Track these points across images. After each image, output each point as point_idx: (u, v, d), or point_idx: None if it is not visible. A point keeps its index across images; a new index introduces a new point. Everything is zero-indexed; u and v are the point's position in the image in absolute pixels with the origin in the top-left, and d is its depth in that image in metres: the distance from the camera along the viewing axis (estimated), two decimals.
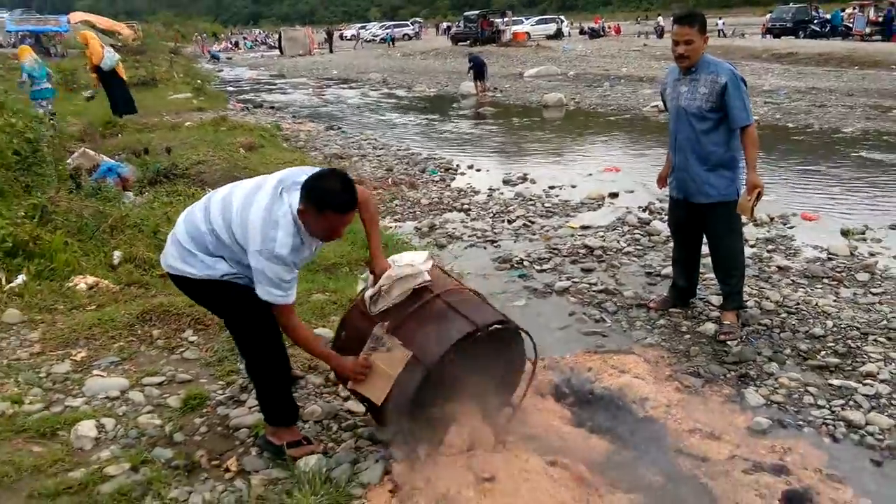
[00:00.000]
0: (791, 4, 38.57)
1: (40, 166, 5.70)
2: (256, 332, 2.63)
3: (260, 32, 76.49)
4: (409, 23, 63.12)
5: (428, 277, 2.67)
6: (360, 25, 66.73)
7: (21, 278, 4.20)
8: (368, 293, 2.71)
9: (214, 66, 35.91)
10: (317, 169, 2.48)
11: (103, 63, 11.22)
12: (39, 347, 3.58)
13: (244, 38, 64.86)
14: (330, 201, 2.32)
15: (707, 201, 3.76)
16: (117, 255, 4.70)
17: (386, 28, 54.31)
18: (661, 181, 4.19)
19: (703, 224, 3.91)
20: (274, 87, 23.38)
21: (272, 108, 16.52)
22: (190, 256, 2.52)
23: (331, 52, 42.77)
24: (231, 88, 22.33)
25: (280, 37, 46.73)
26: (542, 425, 2.96)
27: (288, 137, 11.36)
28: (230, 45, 55.25)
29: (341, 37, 63.38)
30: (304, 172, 2.46)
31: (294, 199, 2.37)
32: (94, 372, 3.35)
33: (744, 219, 3.88)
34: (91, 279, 4.32)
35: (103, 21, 32.30)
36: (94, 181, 6.65)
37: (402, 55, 34.71)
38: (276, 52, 45.60)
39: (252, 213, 2.38)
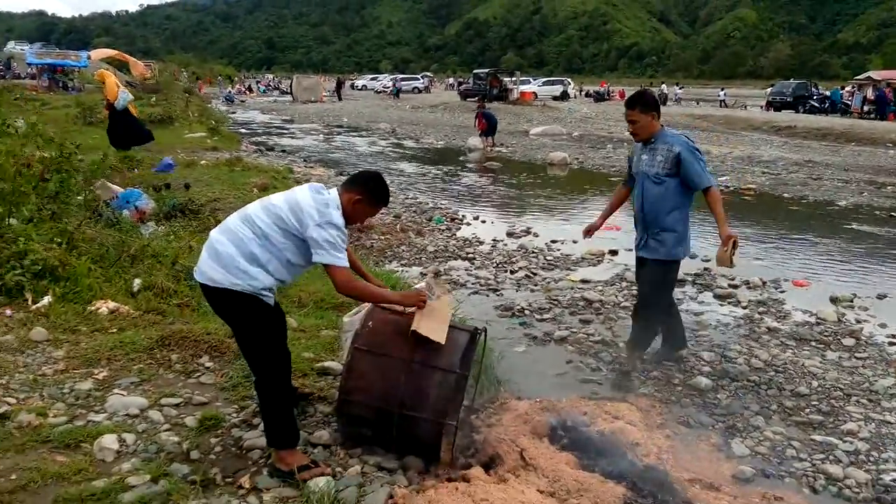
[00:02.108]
0: (791, 80, 39.77)
1: (67, 195, 5.96)
2: (270, 351, 2.88)
3: (273, 78, 78.29)
4: (419, 76, 64.72)
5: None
6: (371, 76, 68.28)
7: (47, 299, 4.40)
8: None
9: (228, 107, 36.74)
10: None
11: (117, 102, 11.64)
12: (63, 365, 3.75)
13: (257, 83, 66.40)
14: (384, 197, 2.96)
15: (653, 257, 4.12)
16: (137, 282, 4.91)
17: (394, 80, 55.67)
18: (589, 232, 4.60)
19: (639, 274, 4.33)
20: (285, 131, 23.96)
21: (284, 151, 16.97)
22: (234, 268, 2.75)
23: (339, 99, 43.77)
24: (244, 130, 22.88)
25: (293, 83, 47.93)
26: (549, 467, 3.11)
27: (299, 180, 11.68)
28: (243, 89, 56.47)
29: (352, 86, 64.93)
30: (320, 185, 2.95)
31: (333, 192, 2.86)
32: (115, 390, 3.52)
33: (725, 270, 4.21)
34: (112, 304, 4.52)
35: (125, 56, 33.08)
36: (113, 211, 6.91)
37: (411, 107, 35.52)
38: (289, 97, 46.71)
39: (301, 199, 2.80)
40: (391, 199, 3.80)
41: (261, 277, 2.79)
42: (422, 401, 2.99)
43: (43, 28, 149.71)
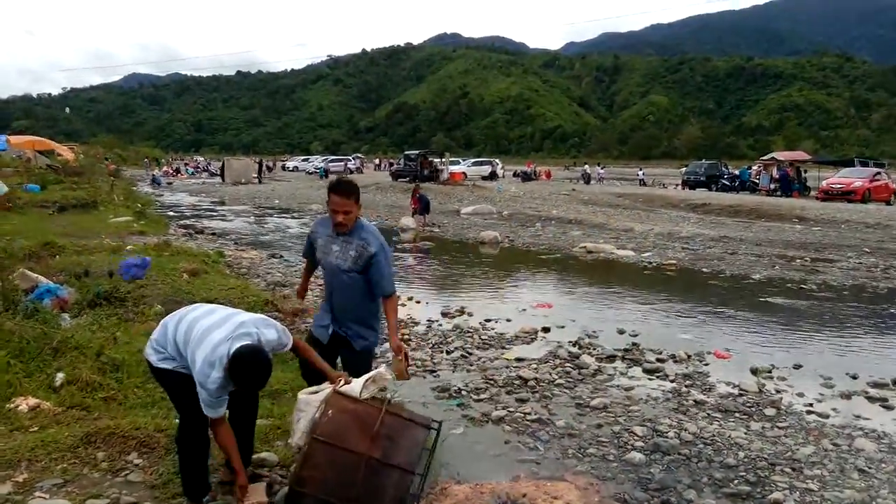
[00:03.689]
0: (703, 160, 42.43)
1: None
2: (189, 414, 3.23)
3: (202, 159, 77.77)
4: (350, 157, 65.66)
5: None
6: (302, 158, 68.76)
7: None
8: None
9: (155, 189, 36.13)
10: (271, 321, 3.30)
11: None
12: None
13: (185, 165, 65.76)
14: (241, 380, 3.00)
15: (358, 348, 3.90)
16: (60, 376, 4.70)
17: (325, 160, 56.08)
18: (300, 294, 4.74)
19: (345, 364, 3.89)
20: (215, 213, 23.71)
21: (214, 234, 16.75)
22: (155, 352, 3.26)
23: (259, 182, 43.51)
24: (172, 213, 22.52)
25: (223, 164, 47.73)
26: None
27: (230, 264, 11.55)
28: (171, 171, 55.82)
29: (283, 167, 65.13)
30: (264, 324, 3.21)
31: (234, 348, 2.98)
32: (37, 494, 3.33)
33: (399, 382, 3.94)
34: (33, 400, 4.30)
35: (49, 143, 32.42)
36: (31, 302, 6.64)
37: None
38: (218, 178, 46.39)
39: (202, 347, 3.03)
40: None
41: (171, 362, 3.25)
42: (377, 499, 2.95)
43: None
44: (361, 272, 3.77)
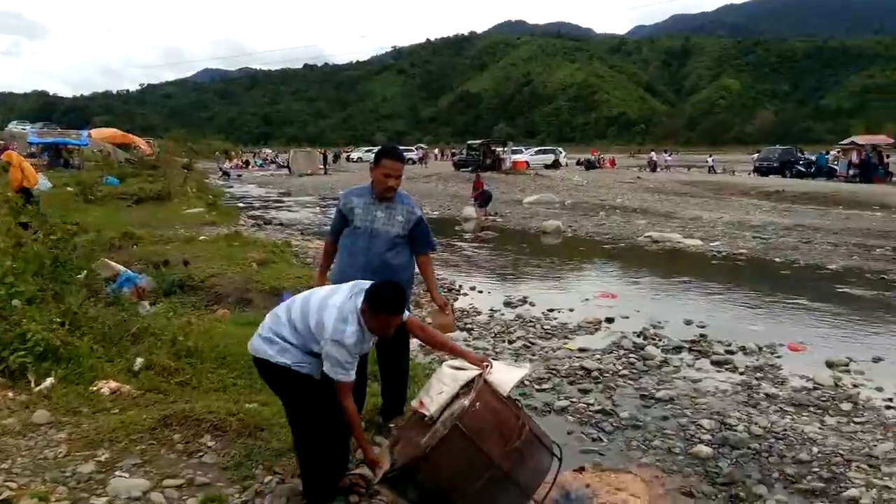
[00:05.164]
0: (777, 146, 40.79)
1: (70, 274, 6.04)
2: (304, 415, 3.18)
3: (270, 151, 79.70)
4: (413, 148, 66.03)
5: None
6: (366, 149, 69.53)
7: (49, 381, 4.43)
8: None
9: (226, 182, 37.29)
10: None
11: (35, 188, 11.88)
12: (65, 448, 3.75)
13: (254, 157, 67.55)
14: (384, 305, 3.01)
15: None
16: (139, 361, 4.94)
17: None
18: (321, 279, 4.39)
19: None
20: (282, 204, 24.31)
21: (281, 224, 17.18)
22: (269, 343, 3.14)
23: (325, 173, 44.21)
24: (241, 205, 23.20)
25: (290, 156, 48.79)
26: None
27: (297, 253, 11.82)
28: (241, 163, 57.43)
29: (348, 158, 66.11)
30: (367, 283, 3.16)
31: (360, 301, 3.04)
32: (118, 473, 3.52)
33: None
34: (114, 384, 4.54)
35: (130, 137, 33.91)
36: (112, 291, 6.98)
37: (406, 178, 36.16)
38: (285, 170, 47.48)
39: (328, 310, 3.03)
40: None
41: (291, 352, 3.13)
42: None
43: (44, 108, 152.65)
44: (405, 237, 3.98)
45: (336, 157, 59.89)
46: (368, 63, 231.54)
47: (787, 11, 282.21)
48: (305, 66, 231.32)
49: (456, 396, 3.04)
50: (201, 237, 11.78)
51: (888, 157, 33.63)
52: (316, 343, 3.05)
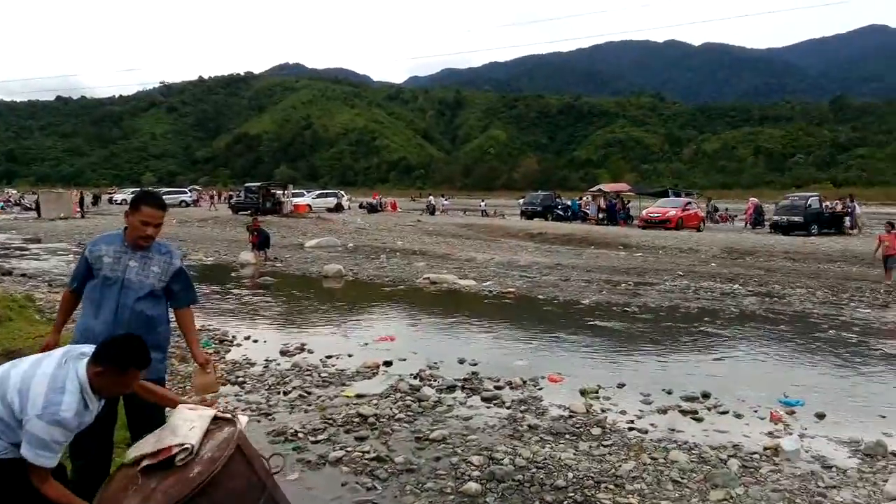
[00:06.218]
0: (539, 192, 45.25)
1: None
2: None
3: (14, 192, 70.70)
4: (185, 189, 62.50)
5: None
6: (132, 190, 64.36)
7: None
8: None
9: None
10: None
11: None
12: None
13: None
14: (133, 359, 2.72)
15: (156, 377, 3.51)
16: None
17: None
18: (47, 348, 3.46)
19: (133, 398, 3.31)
20: (27, 251, 21.47)
21: (24, 275, 15.11)
22: None
23: (82, 216, 40.16)
24: None
25: (38, 198, 43.58)
26: None
27: (42, 309, 10.45)
28: None
29: (110, 200, 60.68)
30: (84, 347, 2.83)
31: (80, 366, 2.67)
32: None
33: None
34: None
35: None
36: None
37: (178, 222, 33.85)
38: (33, 213, 42.22)
39: (36, 380, 2.61)
40: None
41: None
42: None
43: None
44: (163, 290, 3.62)
45: (96, 199, 54.65)
46: (134, 98, 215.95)
47: (542, 71, 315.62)
48: (59, 98, 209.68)
49: (208, 431, 3.00)
50: None
51: (629, 202, 38.78)
52: (18, 426, 2.59)
